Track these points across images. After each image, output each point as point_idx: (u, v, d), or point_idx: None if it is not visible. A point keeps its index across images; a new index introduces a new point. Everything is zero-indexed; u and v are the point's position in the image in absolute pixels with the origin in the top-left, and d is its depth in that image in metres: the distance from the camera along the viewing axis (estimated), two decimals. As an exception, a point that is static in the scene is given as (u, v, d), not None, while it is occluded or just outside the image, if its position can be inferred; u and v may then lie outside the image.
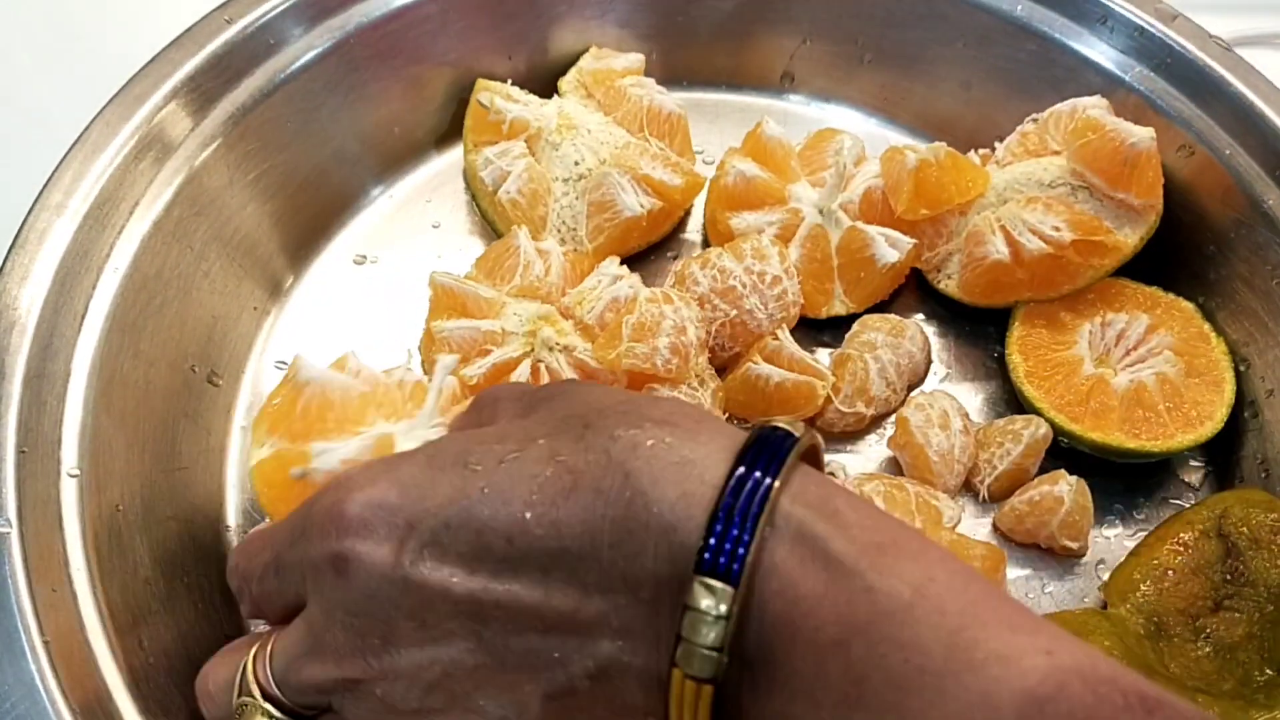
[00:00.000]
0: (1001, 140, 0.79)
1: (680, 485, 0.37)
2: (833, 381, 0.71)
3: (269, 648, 0.45)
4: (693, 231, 0.83)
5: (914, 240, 0.75)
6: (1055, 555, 0.69)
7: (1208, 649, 0.60)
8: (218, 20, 0.72)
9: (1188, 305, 0.74)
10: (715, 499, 0.37)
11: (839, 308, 0.76)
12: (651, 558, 0.37)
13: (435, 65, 0.81)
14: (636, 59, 0.84)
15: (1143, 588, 0.62)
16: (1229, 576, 0.61)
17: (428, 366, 0.73)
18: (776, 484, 0.37)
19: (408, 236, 0.81)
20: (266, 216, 0.76)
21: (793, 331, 0.73)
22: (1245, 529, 0.62)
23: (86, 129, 0.67)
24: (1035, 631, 0.34)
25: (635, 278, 0.72)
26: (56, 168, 0.65)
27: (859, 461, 0.72)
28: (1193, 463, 0.73)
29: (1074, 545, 0.67)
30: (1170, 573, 0.62)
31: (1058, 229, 0.71)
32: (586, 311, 0.70)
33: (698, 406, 0.44)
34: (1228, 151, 0.73)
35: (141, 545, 0.62)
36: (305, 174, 0.77)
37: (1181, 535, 0.63)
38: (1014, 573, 0.68)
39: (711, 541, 0.36)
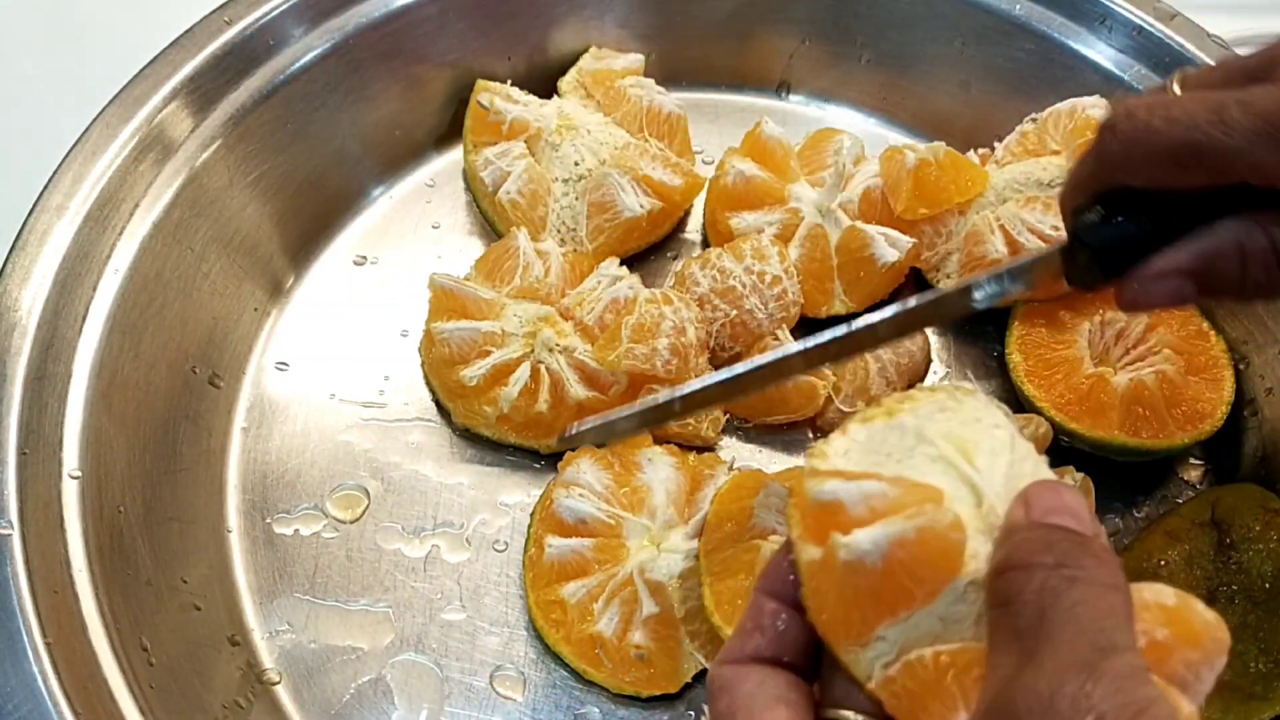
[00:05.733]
0: (1000, 140, 0.79)
1: None
2: (833, 381, 0.71)
3: None
4: (693, 231, 0.83)
5: (913, 239, 0.75)
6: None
7: (1204, 640, 0.60)
8: (218, 21, 0.72)
9: (1187, 304, 0.74)
10: None
11: (839, 307, 0.76)
12: None
13: (435, 65, 0.81)
14: (636, 59, 0.84)
15: (1137, 581, 0.62)
16: (1221, 566, 0.61)
17: (428, 367, 0.73)
18: None
19: (408, 237, 0.81)
20: (267, 217, 0.76)
21: (793, 331, 0.73)
22: (1237, 519, 0.62)
23: (87, 130, 0.67)
24: None
25: (635, 278, 0.72)
26: (57, 169, 0.65)
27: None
28: (1193, 460, 0.73)
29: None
30: (1163, 564, 0.62)
31: (1056, 228, 0.71)
32: (586, 312, 0.70)
33: None
34: (1226, 150, 0.73)
35: (143, 546, 0.62)
36: (305, 175, 0.77)
37: (1174, 528, 0.63)
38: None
39: None
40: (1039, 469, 0.40)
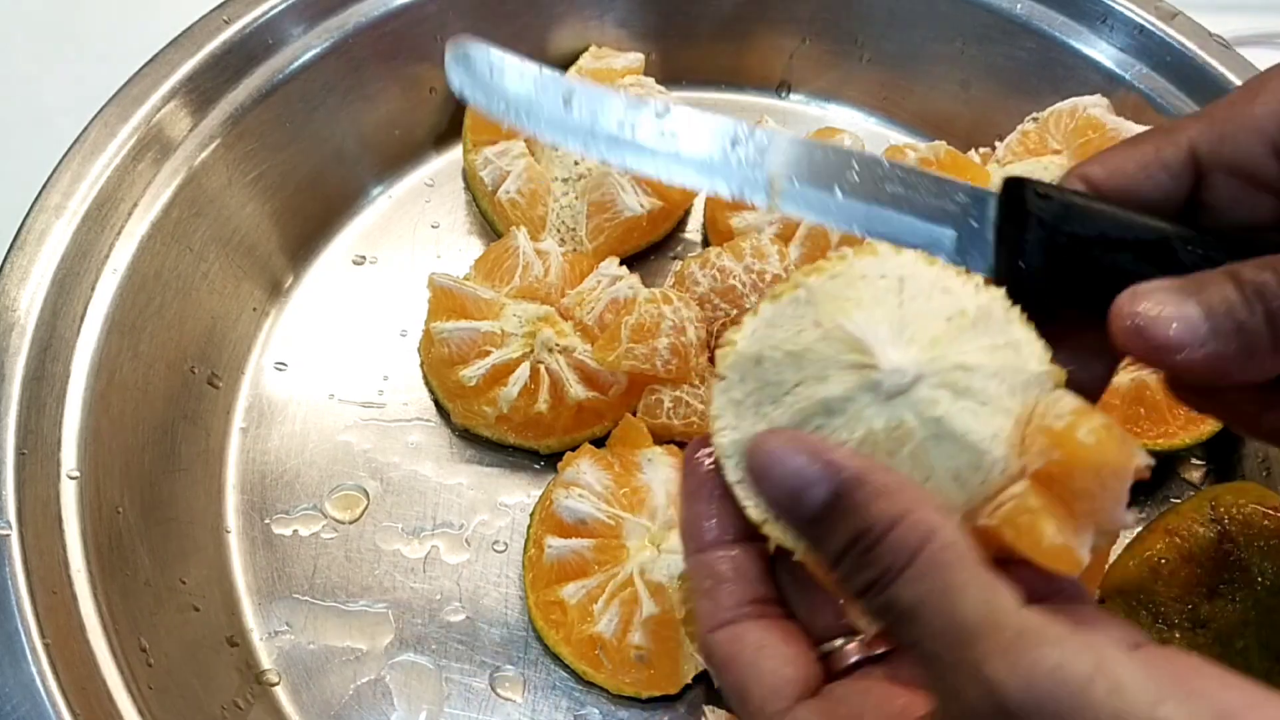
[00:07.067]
0: (1001, 139, 0.79)
1: None
2: (833, 381, 0.71)
3: None
4: (693, 231, 0.83)
5: (914, 239, 0.75)
6: (1056, 554, 0.69)
7: (1207, 637, 0.60)
8: (217, 20, 0.72)
9: (1188, 304, 0.74)
10: None
11: (839, 307, 0.76)
12: None
13: (435, 65, 0.81)
14: (636, 59, 0.83)
15: (1137, 578, 0.62)
16: (1221, 562, 0.61)
17: (427, 367, 0.73)
18: None
19: (407, 236, 0.81)
20: (266, 217, 0.76)
21: (793, 331, 0.73)
22: (1237, 514, 0.62)
23: (85, 129, 0.67)
24: None
25: (635, 278, 0.72)
26: (55, 168, 0.65)
27: (860, 461, 0.72)
28: (1193, 460, 0.73)
29: (1075, 544, 0.67)
30: (1164, 561, 0.62)
31: (1058, 228, 0.71)
32: (586, 312, 0.70)
33: None
34: (1228, 150, 0.73)
35: (141, 547, 0.62)
36: (305, 174, 0.77)
37: (1174, 525, 0.63)
38: (1015, 572, 0.68)
39: None
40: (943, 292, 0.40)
